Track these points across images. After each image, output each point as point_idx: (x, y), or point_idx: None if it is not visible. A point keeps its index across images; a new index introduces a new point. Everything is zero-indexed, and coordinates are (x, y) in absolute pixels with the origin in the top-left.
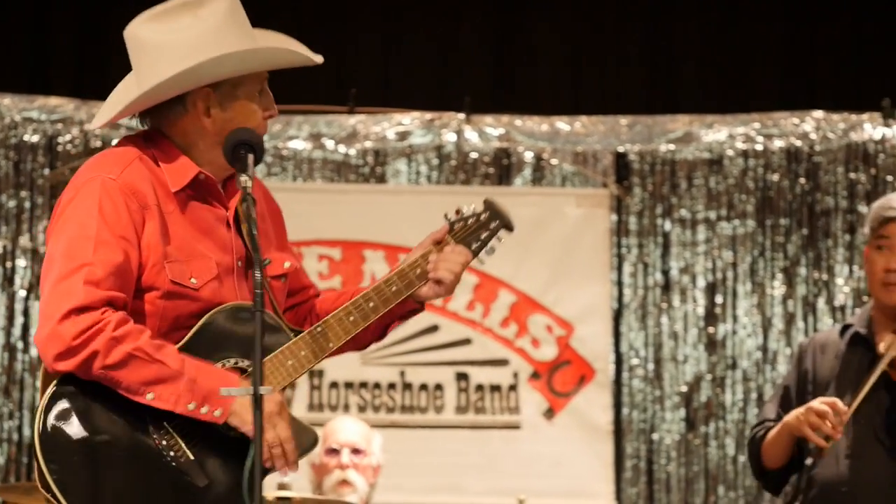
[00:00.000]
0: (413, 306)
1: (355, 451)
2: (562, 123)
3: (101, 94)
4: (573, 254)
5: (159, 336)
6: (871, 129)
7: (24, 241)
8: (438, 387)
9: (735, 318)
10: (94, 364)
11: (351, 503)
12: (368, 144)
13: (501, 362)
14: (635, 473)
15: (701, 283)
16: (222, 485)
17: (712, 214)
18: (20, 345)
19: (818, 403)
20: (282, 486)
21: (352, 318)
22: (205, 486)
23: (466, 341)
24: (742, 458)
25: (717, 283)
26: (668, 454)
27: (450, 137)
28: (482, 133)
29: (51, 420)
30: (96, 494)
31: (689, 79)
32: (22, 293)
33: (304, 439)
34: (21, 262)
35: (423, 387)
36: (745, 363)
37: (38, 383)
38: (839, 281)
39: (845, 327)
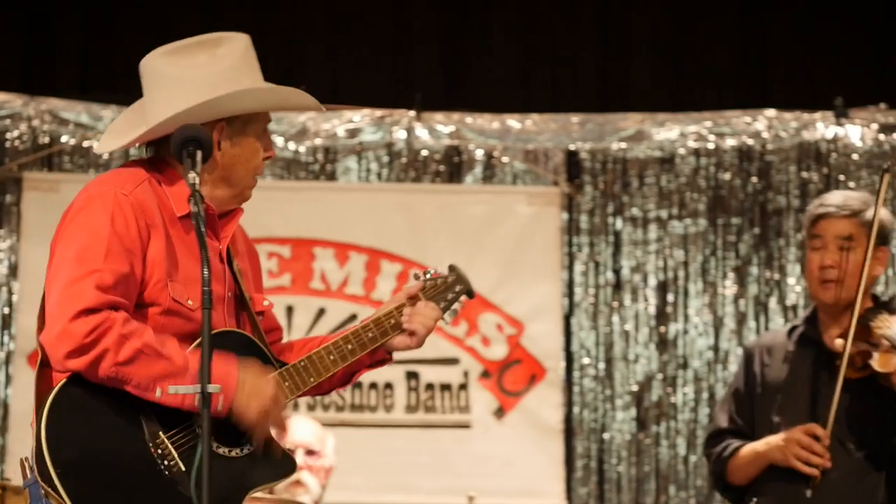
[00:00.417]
0: (383, 356)
1: (309, 452)
2: (513, 121)
3: (50, 89)
4: (524, 252)
5: None
6: (823, 127)
7: None
8: (388, 385)
9: (686, 318)
10: (104, 361)
11: (303, 503)
12: (318, 142)
13: (451, 361)
14: (586, 473)
15: (652, 281)
16: (213, 495)
17: (664, 213)
18: None
19: (799, 434)
20: None
21: (332, 358)
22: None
23: None
24: (693, 458)
25: (669, 282)
26: (618, 454)
27: (400, 135)
28: (433, 131)
29: (56, 421)
30: (97, 497)
31: (640, 77)
32: None
33: (283, 468)
34: None
35: (373, 385)
36: (696, 363)
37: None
38: (791, 280)
39: (792, 329)
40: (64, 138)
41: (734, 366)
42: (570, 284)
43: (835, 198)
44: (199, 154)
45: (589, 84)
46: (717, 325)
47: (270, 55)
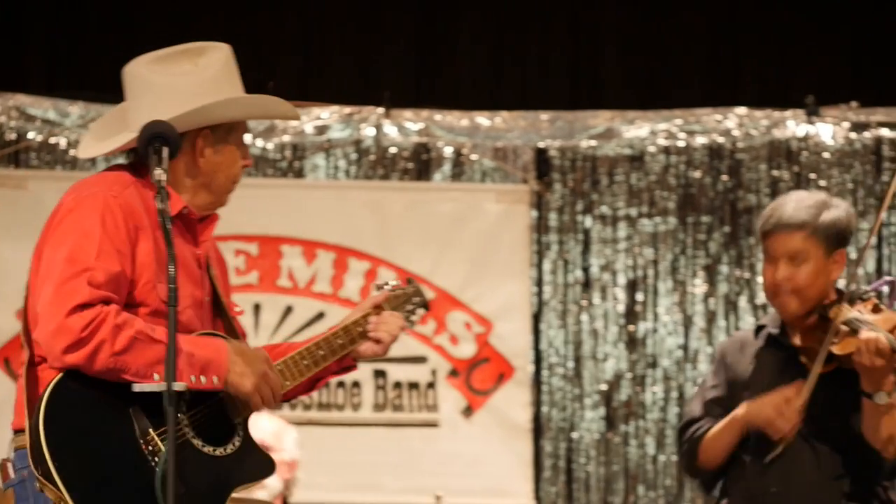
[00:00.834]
0: (349, 363)
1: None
2: (482, 118)
3: (17, 86)
4: (493, 250)
5: None
6: (794, 126)
7: None
8: (356, 384)
9: (656, 316)
10: (102, 353)
11: (261, 500)
12: (286, 139)
13: (419, 359)
14: (554, 472)
15: (621, 280)
16: (198, 494)
17: (633, 211)
18: None
19: (774, 396)
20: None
21: (305, 363)
22: (182, 493)
23: None
24: (662, 458)
25: (638, 281)
26: (587, 453)
27: (369, 132)
28: (401, 128)
29: (54, 415)
30: (94, 490)
31: (610, 74)
32: None
33: (262, 468)
34: None
35: (341, 384)
36: (665, 361)
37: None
38: (760, 279)
39: (759, 328)
40: (31, 135)
41: (704, 365)
42: (539, 283)
43: (782, 210)
44: (165, 151)
45: (559, 81)
46: (687, 323)
47: (240, 52)
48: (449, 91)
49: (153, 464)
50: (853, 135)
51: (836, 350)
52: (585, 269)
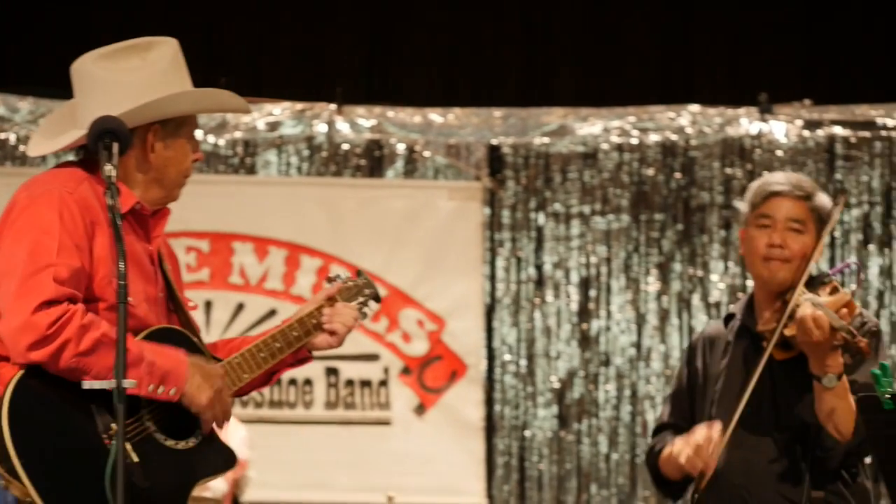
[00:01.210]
0: (305, 355)
1: None
2: (435, 115)
3: None
4: (445, 248)
5: None
6: (747, 123)
7: None
8: (308, 382)
9: (609, 314)
10: (66, 352)
11: (209, 498)
12: (238, 135)
13: (372, 357)
14: (507, 471)
15: (574, 278)
16: (161, 488)
17: (586, 209)
18: None
19: (697, 435)
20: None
21: (262, 355)
22: (147, 487)
23: None
24: (615, 456)
25: (591, 279)
26: (540, 451)
27: (321, 128)
28: (354, 124)
29: (16, 411)
30: (59, 485)
31: (564, 71)
32: None
33: (225, 460)
34: None
35: (292, 381)
36: (618, 360)
37: None
38: (714, 277)
39: (728, 317)
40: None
41: (657, 363)
42: (492, 280)
43: (784, 177)
44: (115, 146)
45: (512, 78)
46: (640, 321)
47: (192, 49)
48: (402, 87)
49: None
50: (806, 132)
51: (786, 332)
52: (538, 267)
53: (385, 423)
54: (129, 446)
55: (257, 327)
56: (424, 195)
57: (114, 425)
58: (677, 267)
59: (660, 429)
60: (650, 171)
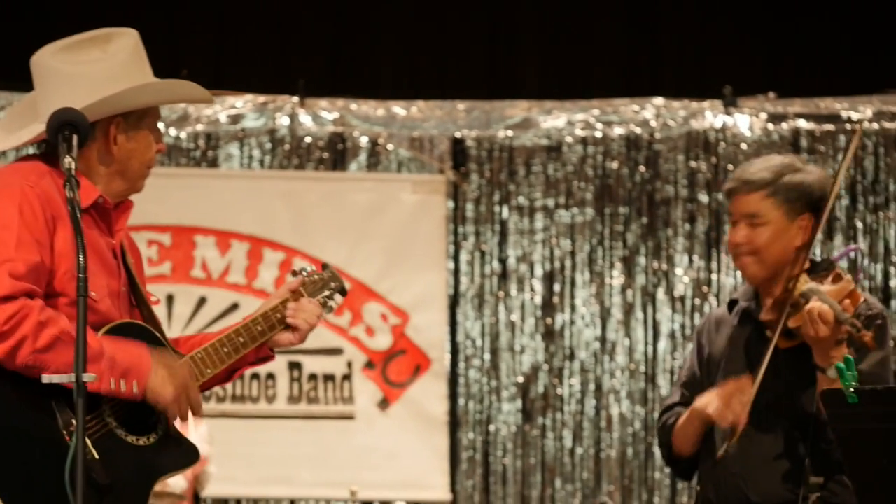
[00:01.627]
0: (266, 353)
1: None
2: (398, 108)
3: None
4: (409, 241)
5: None
6: (711, 116)
7: None
8: (270, 376)
9: (573, 308)
10: (23, 349)
11: (169, 493)
12: (200, 128)
13: (335, 351)
14: (471, 465)
15: (539, 271)
16: (123, 484)
17: (550, 202)
18: None
19: (726, 387)
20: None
21: (225, 350)
22: (107, 483)
23: None
24: (580, 451)
25: (555, 272)
26: (504, 446)
27: (283, 121)
28: (316, 117)
29: None
30: (20, 481)
31: (528, 64)
32: None
33: (187, 456)
34: None
35: (255, 376)
36: (582, 354)
37: None
38: (679, 271)
39: (732, 302)
40: None
41: (621, 357)
42: (456, 274)
43: (743, 170)
44: (75, 138)
45: (476, 71)
46: (605, 315)
47: (154, 40)
48: (365, 80)
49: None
50: (771, 126)
51: (790, 323)
52: (502, 261)
53: (348, 417)
54: (89, 442)
55: (219, 321)
56: (388, 188)
57: (74, 422)
58: (642, 261)
59: (668, 409)
60: (614, 165)
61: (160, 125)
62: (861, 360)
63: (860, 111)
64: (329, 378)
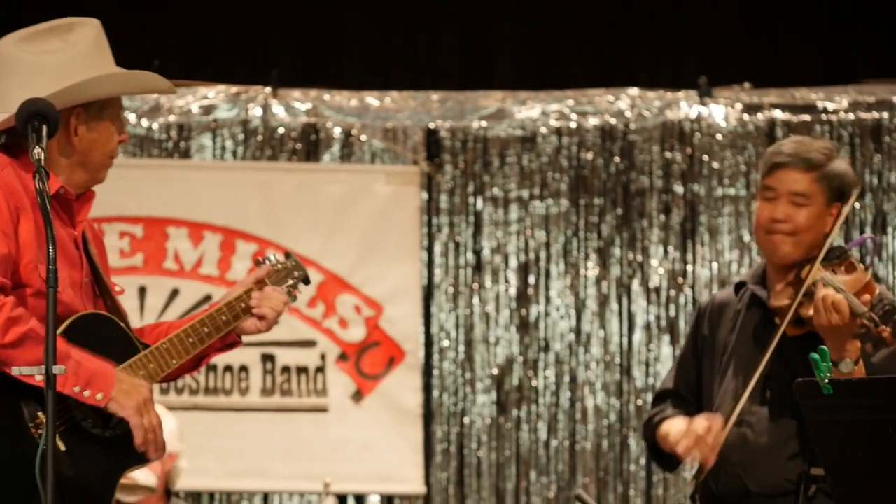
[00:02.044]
0: (233, 339)
1: None
2: (371, 98)
3: None
4: (383, 232)
5: None
6: (687, 107)
7: None
8: (243, 368)
9: (548, 300)
10: None
11: (140, 486)
12: (172, 118)
13: (308, 343)
14: (445, 458)
15: (513, 263)
16: (89, 476)
17: (525, 193)
18: None
19: (697, 425)
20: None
21: (191, 340)
22: (72, 475)
23: None
24: (554, 443)
25: (530, 264)
26: (478, 438)
27: (256, 112)
28: (289, 107)
29: None
30: None
31: (502, 54)
32: None
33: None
34: None
35: (228, 368)
36: (557, 345)
37: None
38: (654, 262)
39: (739, 285)
40: None
41: (596, 348)
42: (430, 265)
43: (793, 146)
44: (44, 129)
45: (449, 61)
46: (579, 307)
47: (126, 30)
48: (338, 70)
49: (45, 448)
50: (746, 116)
51: (802, 312)
52: (477, 252)
53: (322, 410)
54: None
55: (192, 313)
56: (361, 179)
57: (40, 414)
58: (617, 252)
59: (661, 396)
60: (589, 156)
61: (132, 117)
62: (873, 354)
63: (836, 101)
64: (302, 370)
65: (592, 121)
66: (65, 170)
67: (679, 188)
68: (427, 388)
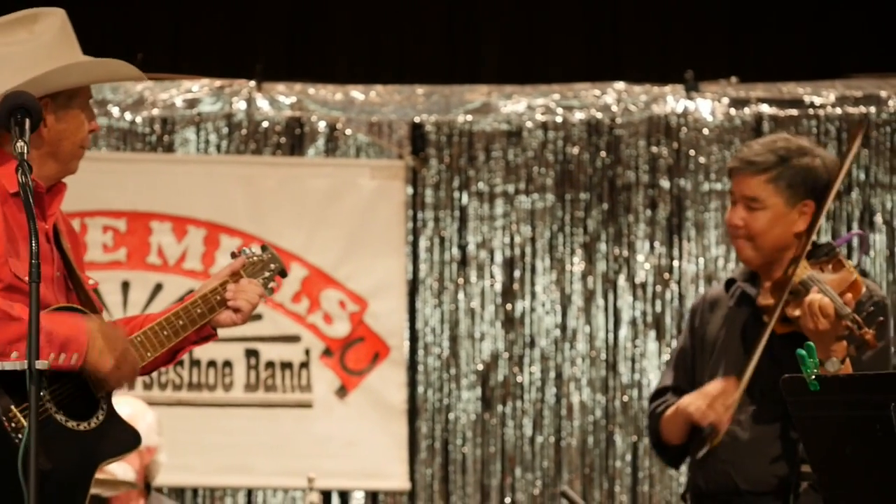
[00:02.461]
0: (208, 332)
1: None
2: (356, 92)
3: None
4: (367, 227)
5: None
6: (673, 101)
7: None
8: (227, 363)
9: (533, 295)
10: None
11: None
12: (156, 112)
13: (293, 339)
14: (430, 454)
15: (499, 258)
16: (63, 470)
17: (510, 188)
18: None
19: (710, 387)
20: None
21: (165, 333)
22: (47, 469)
23: (256, 316)
24: (540, 439)
25: (516, 259)
26: (463, 434)
27: (240, 106)
28: (274, 101)
29: None
30: None
31: (487, 48)
32: None
33: (128, 441)
34: None
35: (212, 363)
36: (543, 341)
37: None
38: (640, 257)
39: (730, 282)
40: None
41: (582, 344)
42: (415, 260)
43: (748, 150)
44: (27, 122)
45: (435, 55)
46: (565, 302)
47: (109, 23)
48: (323, 64)
49: (17, 441)
50: (733, 111)
51: (789, 311)
52: (462, 247)
53: (306, 405)
54: (27, 427)
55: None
56: (346, 174)
57: (13, 407)
58: (602, 247)
59: (660, 392)
60: (575, 150)
61: (116, 110)
62: (857, 355)
63: (823, 96)
64: (286, 366)
65: (578, 115)
66: (35, 162)
67: (665, 183)
68: (412, 384)
